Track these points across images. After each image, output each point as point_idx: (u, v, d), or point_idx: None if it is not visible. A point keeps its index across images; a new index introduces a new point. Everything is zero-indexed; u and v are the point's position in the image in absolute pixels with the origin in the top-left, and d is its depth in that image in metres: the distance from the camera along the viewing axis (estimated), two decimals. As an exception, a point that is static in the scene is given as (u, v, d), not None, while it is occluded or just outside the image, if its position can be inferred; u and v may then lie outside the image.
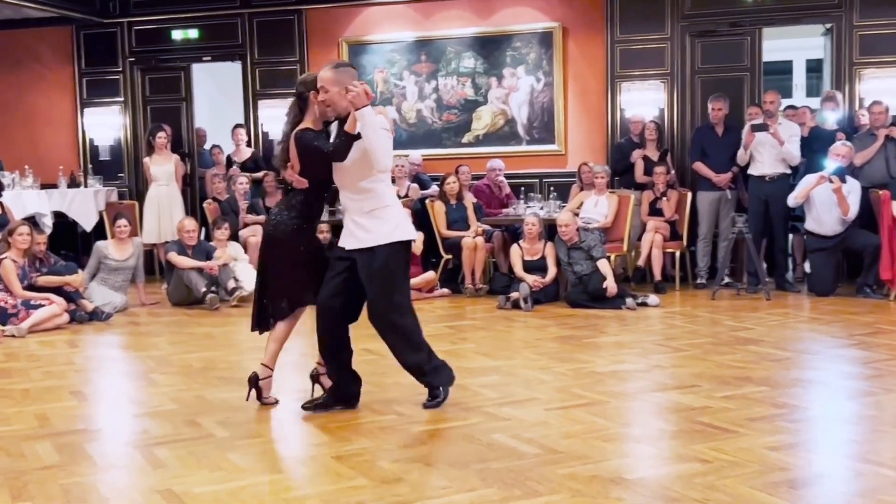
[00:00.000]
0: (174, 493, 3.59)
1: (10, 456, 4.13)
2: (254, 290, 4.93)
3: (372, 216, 4.55)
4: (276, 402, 4.91)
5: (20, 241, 7.80)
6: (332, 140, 4.54)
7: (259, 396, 4.87)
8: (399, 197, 9.39)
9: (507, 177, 10.16)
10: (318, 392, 4.90)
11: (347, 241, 4.62)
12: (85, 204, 10.45)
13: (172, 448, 4.17)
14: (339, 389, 4.79)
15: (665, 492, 3.49)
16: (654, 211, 9.30)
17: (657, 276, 8.99)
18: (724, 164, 9.15)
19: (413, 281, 8.73)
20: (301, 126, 4.59)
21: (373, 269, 4.55)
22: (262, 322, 4.88)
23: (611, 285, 8.08)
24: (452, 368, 4.91)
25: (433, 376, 4.81)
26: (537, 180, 10.42)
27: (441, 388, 4.83)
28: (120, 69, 11.58)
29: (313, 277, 4.71)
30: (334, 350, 4.72)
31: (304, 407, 4.76)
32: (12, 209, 9.19)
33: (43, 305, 7.61)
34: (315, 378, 4.91)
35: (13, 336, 7.25)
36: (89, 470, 3.93)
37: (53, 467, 3.95)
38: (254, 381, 4.85)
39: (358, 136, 4.42)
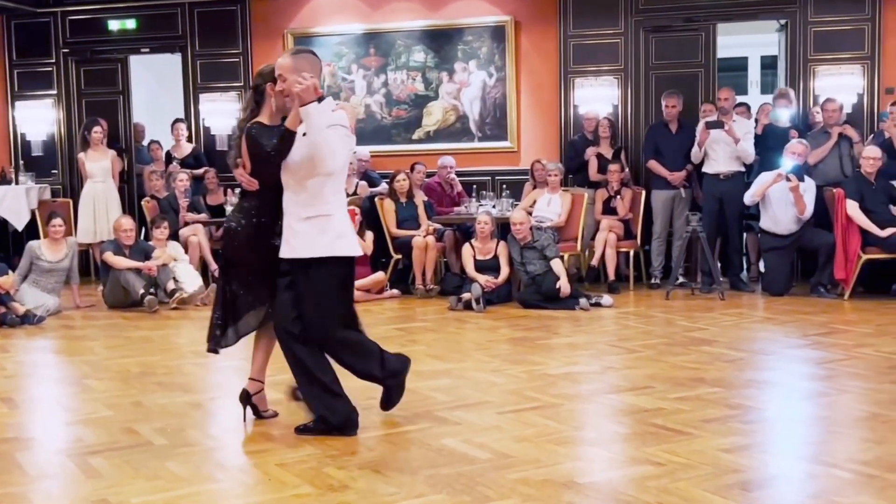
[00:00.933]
0: (110, 503, 3.49)
1: None
2: (213, 304, 4.53)
3: (311, 224, 4.15)
4: (276, 414, 4.58)
5: (-55, 242, 7.48)
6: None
7: (256, 412, 4.55)
8: (347, 195, 9.34)
9: (459, 174, 10.05)
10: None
11: (283, 249, 4.24)
12: (16, 202, 10.24)
13: (108, 457, 4.03)
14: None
15: (618, 495, 3.46)
16: (608, 209, 9.24)
17: (611, 275, 8.95)
18: (678, 162, 9.12)
19: (362, 282, 8.65)
20: (254, 120, 4.29)
21: (307, 284, 4.18)
22: (216, 339, 4.49)
23: (564, 285, 8.02)
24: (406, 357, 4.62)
25: (390, 377, 4.50)
26: (489, 178, 10.30)
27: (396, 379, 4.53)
28: (53, 61, 11.23)
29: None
30: (318, 369, 4.29)
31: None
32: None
33: (-30, 308, 7.36)
34: (246, 399, 4.54)
35: (-62, 340, 7.01)
36: (20, 480, 3.81)
37: None
38: (245, 398, 4.53)
39: (293, 135, 4.12)
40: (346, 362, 4.39)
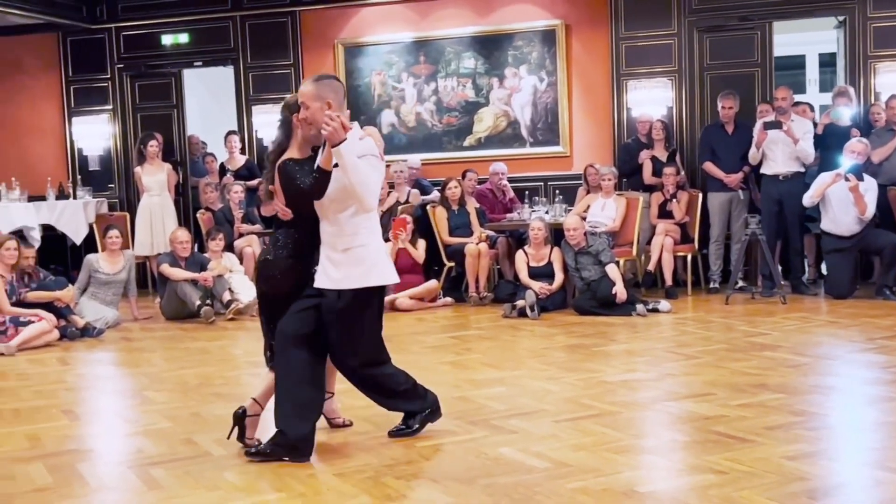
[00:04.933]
0: None
1: (0, 478, 4.04)
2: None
3: (347, 255, 4.11)
4: (260, 443, 4.33)
5: (7, 256, 7.68)
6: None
7: (241, 436, 4.39)
8: (398, 203, 9.35)
9: (511, 180, 10.00)
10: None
11: (319, 279, 4.18)
12: (74, 216, 10.35)
13: (168, 468, 4.07)
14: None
15: None
16: (664, 213, 9.11)
17: (668, 280, 8.82)
18: (734, 164, 8.98)
19: (415, 290, 8.64)
20: (285, 156, 4.20)
21: (337, 311, 4.13)
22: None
23: (620, 291, 7.91)
24: (437, 398, 4.52)
25: (419, 404, 4.46)
26: (542, 183, 10.22)
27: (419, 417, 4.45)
28: (108, 76, 11.37)
29: None
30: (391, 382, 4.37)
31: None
32: (-1, 223, 9.05)
33: (32, 322, 7.47)
34: (240, 419, 4.35)
35: (2, 354, 7.12)
36: (82, 491, 3.84)
37: (46, 489, 3.87)
38: (240, 417, 4.41)
39: (334, 168, 4.03)
40: (377, 400, 4.42)
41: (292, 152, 4.21)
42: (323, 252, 4.20)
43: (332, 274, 4.13)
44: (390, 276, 4.28)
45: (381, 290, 4.28)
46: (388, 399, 4.40)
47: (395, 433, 4.41)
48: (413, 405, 4.43)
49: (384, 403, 4.43)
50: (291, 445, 4.10)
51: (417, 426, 4.42)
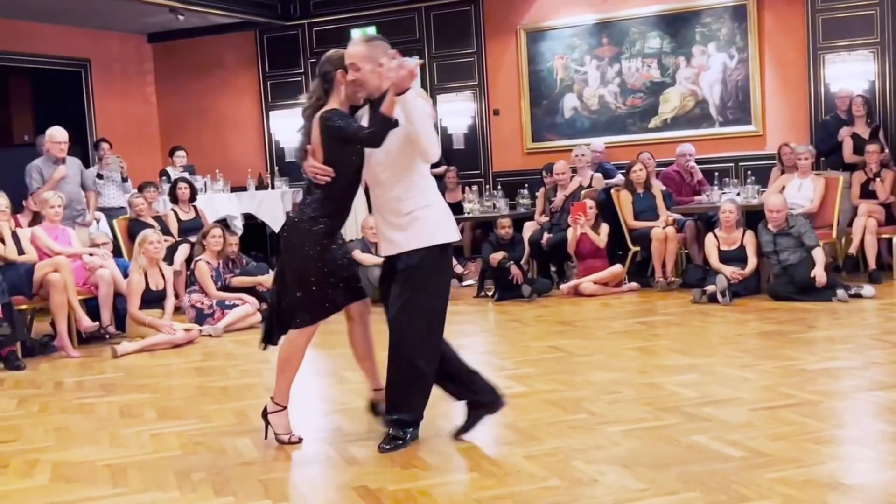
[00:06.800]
0: (369, 489, 3.61)
1: (212, 452, 4.27)
2: (269, 300, 4.32)
3: (412, 217, 3.99)
4: (300, 440, 4.30)
5: (213, 244, 8.09)
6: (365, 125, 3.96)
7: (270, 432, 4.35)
8: (581, 187, 9.28)
9: (699, 162, 9.73)
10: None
11: (385, 248, 4.10)
12: (273, 205, 10.79)
13: (365, 445, 4.17)
14: (475, 398, 4.27)
15: (891, 498, 3.24)
16: (867, 193, 8.65)
17: (871, 264, 8.37)
18: (944, 140, 8.37)
19: (599, 275, 8.56)
20: (329, 107, 4.00)
21: (408, 268, 3.99)
22: (270, 335, 4.34)
23: (820, 275, 7.54)
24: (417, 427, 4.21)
25: (409, 411, 4.16)
26: (732, 164, 9.91)
27: (406, 431, 4.15)
28: (302, 71, 11.85)
29: (338, 287, 4.11)
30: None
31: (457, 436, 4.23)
32: (205, 213, 9.62)
33: (237, 305, 7.83)
34: (373, 409, 4.37)
35: (210, 336, 7.50)
36: (286, 466, 4.03)
37: (253, 463, 4.05)
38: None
39: (397, 123, 3.87)
40: (392, 364, 4.11)
41: (332, 107, 4.02)
42: (381, 219, 4.08)
43: (398, 238, 4.02)
44: (456, 234, 4.15)
45: (448, 248, 4.10)
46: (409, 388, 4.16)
47: (384, 448, 4.09)
48: (407, 409, 4.14)
49: (391, 383, 4.14)
50: (483, 403, 4.26)
51: (401, 443, 4.10)
